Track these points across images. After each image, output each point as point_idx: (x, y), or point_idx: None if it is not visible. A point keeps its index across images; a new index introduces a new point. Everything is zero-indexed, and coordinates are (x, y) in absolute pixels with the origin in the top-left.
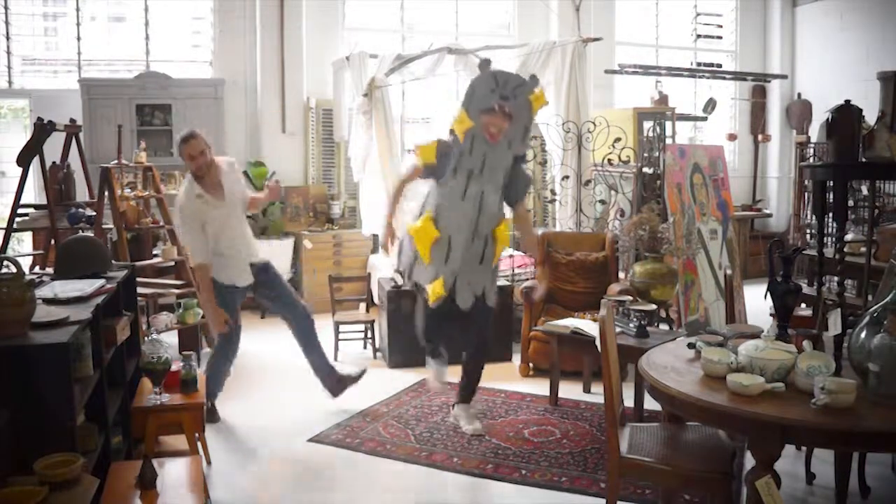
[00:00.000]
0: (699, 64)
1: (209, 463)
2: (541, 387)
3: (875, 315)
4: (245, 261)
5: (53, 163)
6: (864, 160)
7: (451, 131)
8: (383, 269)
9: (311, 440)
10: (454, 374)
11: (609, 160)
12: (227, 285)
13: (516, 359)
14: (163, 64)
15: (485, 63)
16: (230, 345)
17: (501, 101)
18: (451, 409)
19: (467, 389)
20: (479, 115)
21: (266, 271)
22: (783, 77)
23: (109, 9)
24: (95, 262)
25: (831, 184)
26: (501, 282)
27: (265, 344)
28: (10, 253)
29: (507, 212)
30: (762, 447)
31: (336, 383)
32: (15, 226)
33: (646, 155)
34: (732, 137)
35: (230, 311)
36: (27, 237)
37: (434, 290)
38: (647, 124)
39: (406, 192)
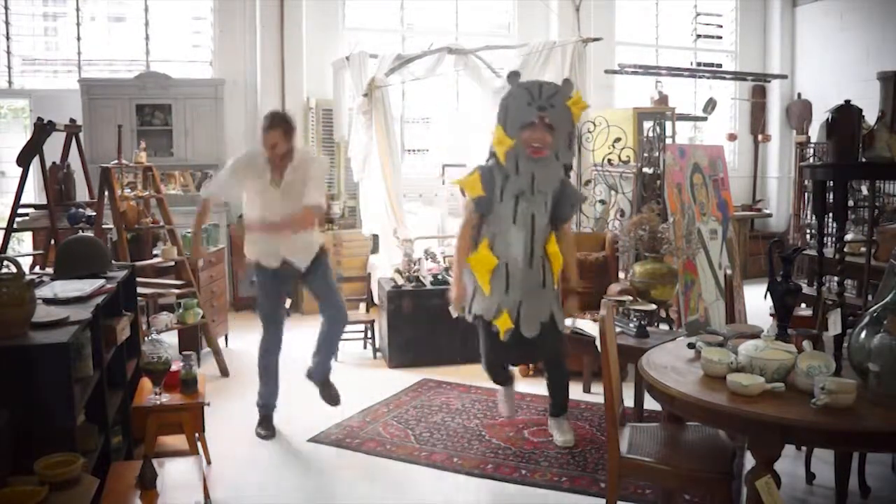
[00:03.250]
0: (699, 64)
1: (209, 463)
2: (541, 387)
3: (875, 315)
4: (275, 245)
5: (53, 163)
6: (864, 160)
7: (492, 154)
8: (383, 269)
9: (311, 440)
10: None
11: (609, 160)
12: (259, 265)
13: None
14: (163, 64)
15: (513, 75)
16: (270, 336)
17: (540, 112)
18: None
19: (556, 405)
20: (518, 132)
21: (314, 270)
22: (783, 77)
23: (109, 9)
24: (95, 262)
25: (831, 184)
26: None
27: None
28: (10, 253)
29: None
30: (762, 447)
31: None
32: (15, 226)
33: (646, 155)
34: (732, 137)
35: (271, 297)
36: (27, 237)
37: (503, 323)
38: (647, 124)
39: (472, 235)
